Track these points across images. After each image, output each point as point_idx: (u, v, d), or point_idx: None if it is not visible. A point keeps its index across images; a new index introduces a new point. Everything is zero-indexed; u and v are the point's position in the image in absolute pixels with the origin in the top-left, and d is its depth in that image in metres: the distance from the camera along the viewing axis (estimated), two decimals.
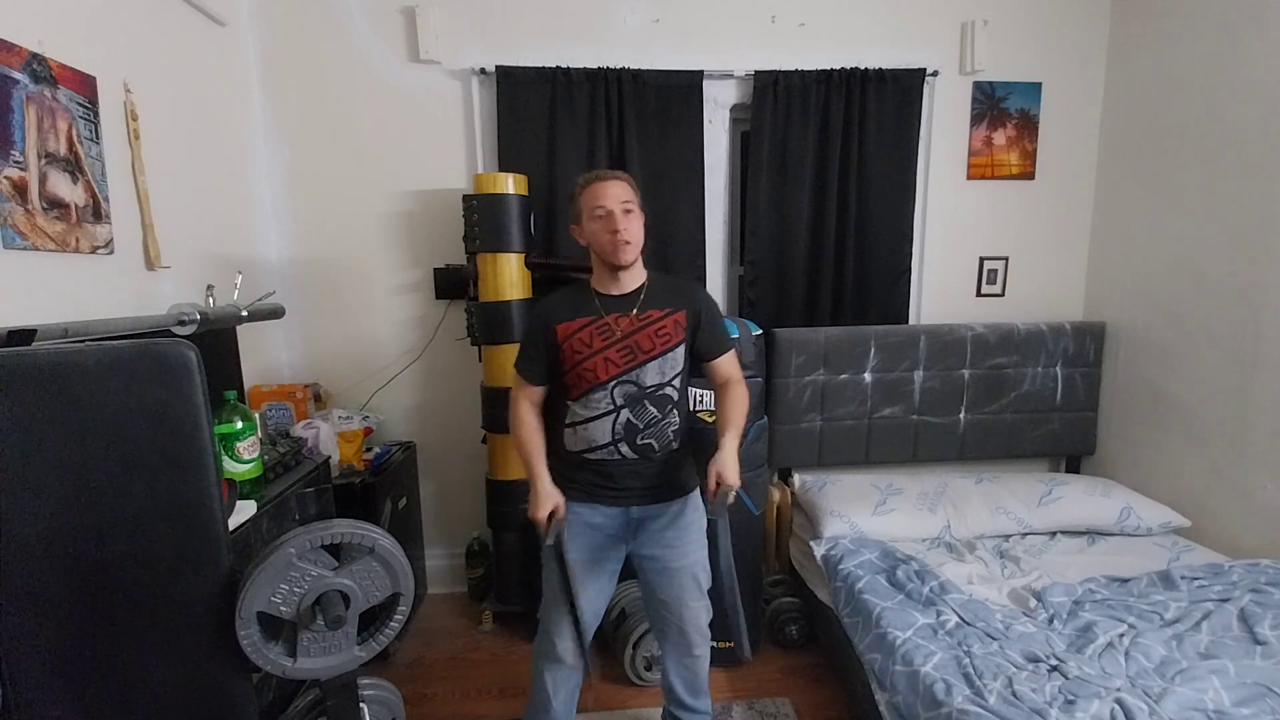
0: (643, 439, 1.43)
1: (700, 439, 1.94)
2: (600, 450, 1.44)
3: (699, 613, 1.56)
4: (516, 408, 1.51)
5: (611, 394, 1.42)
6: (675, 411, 1.47)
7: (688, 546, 1.52)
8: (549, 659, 1.53)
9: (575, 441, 1.46)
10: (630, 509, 1.47)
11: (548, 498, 1.40)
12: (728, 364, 1.52)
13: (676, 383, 1.46)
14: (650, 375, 1.42)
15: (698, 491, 1.56)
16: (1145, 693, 1.34)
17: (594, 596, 1.52)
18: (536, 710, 1.58)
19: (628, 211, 1.40)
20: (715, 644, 2.01)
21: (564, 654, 1.50)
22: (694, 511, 1.54)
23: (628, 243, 1.39)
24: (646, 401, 1.43)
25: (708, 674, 1.64)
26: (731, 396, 1.47)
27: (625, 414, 1.42)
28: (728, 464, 1.34)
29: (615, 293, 1.46)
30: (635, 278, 1.47)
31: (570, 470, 1.48)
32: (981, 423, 2.56)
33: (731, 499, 1.33)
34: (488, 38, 2.36)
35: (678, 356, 1.45)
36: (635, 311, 1.44)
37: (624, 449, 1.43)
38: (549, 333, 1.45)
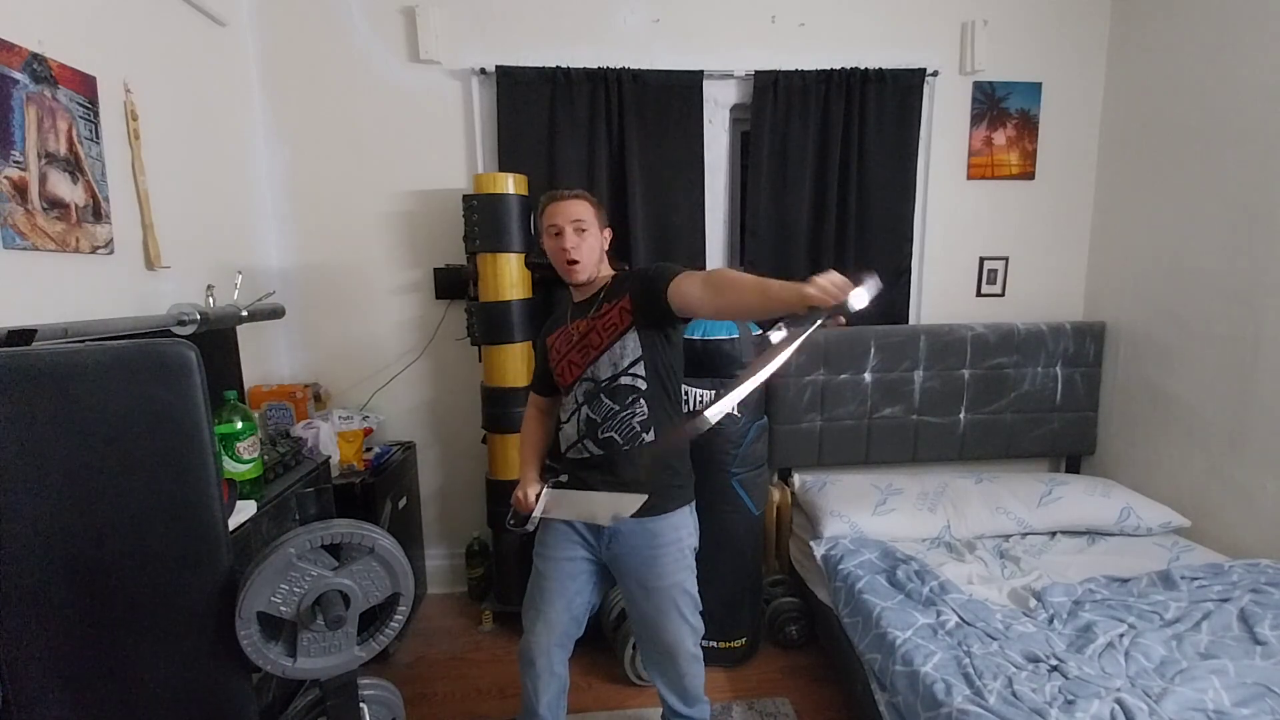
0: (604, 433, 1.43)
1: (701, 439, 1.95)
2: (572, 448, 1.49)
3: (681, 635, 1.50)
4: (525, 413, 1.67)
5: (575, 394, 1.47)
6: (642, 401, 1.41)
7: (665, 567, 1.45)
8: (523, 660, 1.54)
9: (560, 441, 1.54)
10: None
11: (528, 483, 1.53)
12: (687, 280, 1.30)
13: (639, 370, 1.40)
14: (603, 369, 1.42)
15: (684, 512, 1.49)
16: (1145, 693, 1.34)
17: (572, 598, 1.50)
18: (526, 714, 1.58)
19: (581, 230, 1.42)
20: (716, 644, 2.03)
21: (536, 657, 1.51)
22: (673, 532, 1.46)
23: (576, 261, 1.42)
24: (602, 395, 1.42)
25: (702, 684, 1.59)
26: (730, 279, 1.23)
27: (585, 410, 1.45)
28: (822, 281, 0.98)
29: (579, 299, 1.52)
30: (599, 283, 1.49)
31: (562, 468, 1.55)
32: (981, 423, 2.56)
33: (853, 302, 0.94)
34: (488, 38, 2.37)
35: (628, 343, 1.39)
36: (593, 312, 1.45)
37: (589, 445, 1.45)
38: (545, 344, 1.57)
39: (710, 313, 1.29)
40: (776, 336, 0.98)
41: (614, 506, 1.39)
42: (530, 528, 1.50)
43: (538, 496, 1.50)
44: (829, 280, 0.96)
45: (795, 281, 1.04)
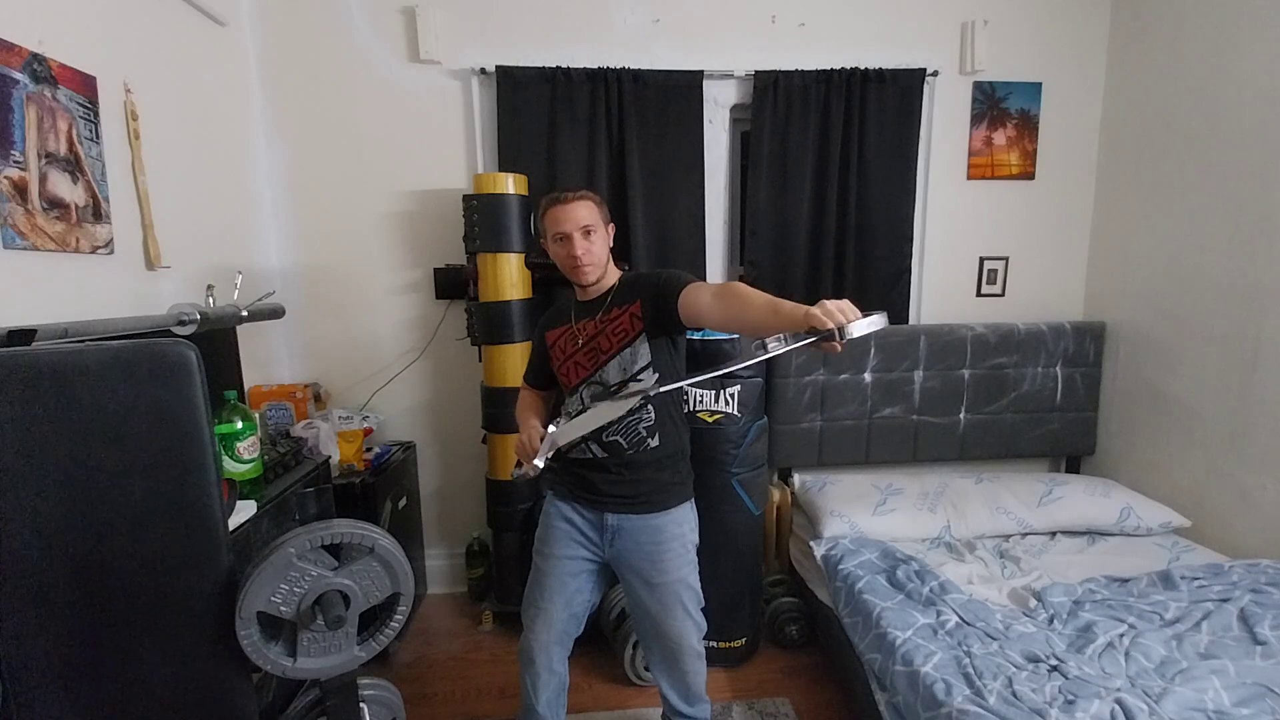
0: (609, 436, 1.43)
1: (701, 439, 1.95)
2: (576, 449, 1.47)
3: (686, 631, 1.52)
4: (520, 397, 1.63)
5: (581, 395, 1.46)
6: (650, 406, 1.44)
7: (668, 563, 1.47)
8: (523, 658, 1.55)
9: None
10: (606, 515, 1.47)
11: (530, 430, 1.40)
12: (697, 290, 1.31)
13: (647, 376, 1.43)
14: (613, 373, 1.43)
15: (686, 508, 1.51)
16: (1145, 693, 1.34)
17: (572, 596, 1.51)
18: (525, 712, 1.58)
19: (588, 234, 1.41)
20: (716, 644, 2.03)
21: (536, 654, 1.52)
22: (676, 527, 1.48)
23: (588, 266, 1.43)
24: (611, 399, 1.42)
25: (703, 683, 1.61)
26: (742, 293, 1.21)
27: None
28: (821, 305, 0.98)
29: (584, 299, 1.51)
30: (605, 283, 1.49)
31: (562, 469, 1.53)
32: (981, 423, 2.56)
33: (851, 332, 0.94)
34: (488, 38, 2.37)
35: (639, 350, 1.41)
36: (600, 314, 1.45)
37: (594, 447, 1.45)
38: (543, 340, 1.55)
39: (719, 325, 1.30)
40: (773, 345, 0.99)
41: (612, 413, 1.33)
42: (540, 464, 1.30)
43: (542, 439, 1.34)
44: (836, 305, 0.97)
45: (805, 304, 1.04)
